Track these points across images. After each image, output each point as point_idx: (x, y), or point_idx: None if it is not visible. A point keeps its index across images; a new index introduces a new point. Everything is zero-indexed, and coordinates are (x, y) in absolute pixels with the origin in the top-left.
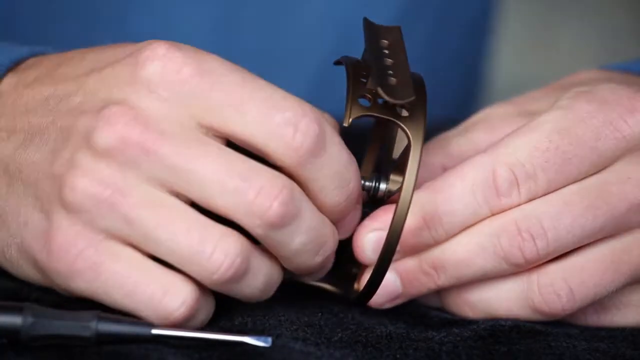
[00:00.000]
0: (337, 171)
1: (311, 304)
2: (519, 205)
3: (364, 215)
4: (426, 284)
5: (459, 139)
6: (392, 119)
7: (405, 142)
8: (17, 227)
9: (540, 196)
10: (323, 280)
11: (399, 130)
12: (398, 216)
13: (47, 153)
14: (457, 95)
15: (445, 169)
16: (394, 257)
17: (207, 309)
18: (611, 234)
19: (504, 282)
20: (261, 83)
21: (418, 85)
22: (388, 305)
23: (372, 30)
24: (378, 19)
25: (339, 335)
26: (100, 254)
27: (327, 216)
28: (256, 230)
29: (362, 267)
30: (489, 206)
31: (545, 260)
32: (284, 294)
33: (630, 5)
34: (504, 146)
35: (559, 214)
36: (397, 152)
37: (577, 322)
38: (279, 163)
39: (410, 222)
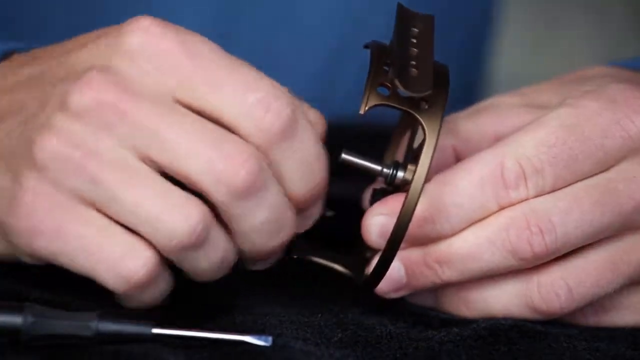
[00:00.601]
0: (304, 161)
1: (311, 304)
2: (526, 199)
3: (376, 201)
4: (430, 277)
5: (467, 122)
6: (408, 110)
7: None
8: None
9: (548, 192)
10: (336, 261)
11: None
12: (407, 207)
13: (23, 121)
14: (458, 94)
15: (454, 149)
16: (401, 247)
17: (167, 280)
18: (614, 234)
19: (503, 280)
20: (240, 64)
21: (441, 78)
22: (394, 295)
23: (403, 17)
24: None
25: (339, 335)
26: (66, 214)
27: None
28: (221, 198)
29: (374, 252)
30: (497, 200)
31: (551, 257)
32: (283, 293)
33: (630, 4)
34: (511, 141)
35: (568, 209)
36: (417, 142)
37: (577, 322)
38: (248, 142)
39: (416, 214)
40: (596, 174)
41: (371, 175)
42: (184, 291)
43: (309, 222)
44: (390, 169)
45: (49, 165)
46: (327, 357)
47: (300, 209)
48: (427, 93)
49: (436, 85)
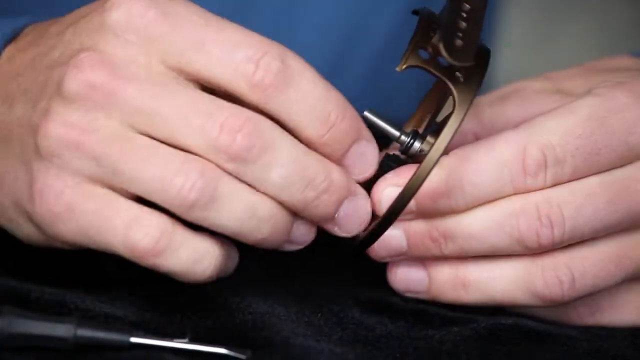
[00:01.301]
0: (309, 105)
1: (312, 303)
2: (542, 189)
3: (390, 169)
4: (431, 249)
5: (492, 108)
6: (444, 77)
7: (451, 108)
8: (9, 184)
9: (564, 182)
10: None
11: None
12: (418, 175)
13: (29, 107)
14: None
15: (476, 136)
16: (407, 217)
17: (193, 247)
18: (624, 230)
19: (505, 263)
20: (225, 24)
21: (482, 56)
22: (389, 260)
23: None
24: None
25: (339, 334)
26: (75, 195)
27: (319, 151)
28: (227, 166)
29: (374, 218)
30: (514, 184)
31: (556, 248)
32: (284, 293)
33: (631, 4)
34: (538, 125)
35: (581, 205)
36: (442, 116)
37: (574, 323)
38: (245, 101)
39: (432, 186)
40: (614, 168)
41: (388, 139)
42: (184, 291)
43: (364, 167)
44: (408, 137)
45: (53, 151)
46: (327, 352)
47: (336, 152)
48: (466, 64)
49: (477, 61)
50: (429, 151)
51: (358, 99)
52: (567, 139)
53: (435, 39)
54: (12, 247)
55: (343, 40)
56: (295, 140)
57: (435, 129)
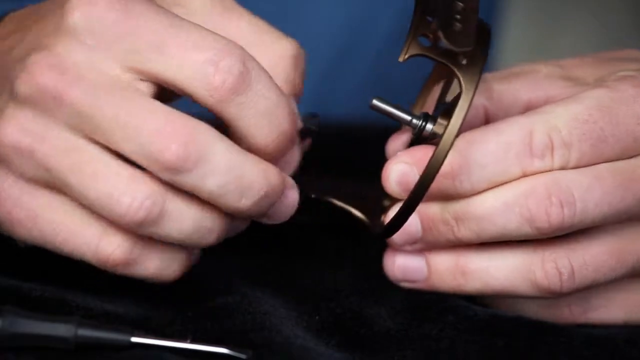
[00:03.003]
0: (264, 110)
1: (311, 304)
2: (550, 171)
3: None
4: (445, 233)
5: (501, 84)
6: (448, 63)
7: (458, 88)
8: None
9: (571, 167)
10: (353, 205)
11: None
12: (435, 159)
13: None
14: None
15: (485, 110)
16: None
17: (160, 255)
18: (630, 220)
19: (507, 251)
20: (188, 25)
21: (483, 35)
22: (408, 248)
23: None
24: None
25: (337, 338)
26: (35, 202)
27: (260, 156)
28: (161, 175)
29: (392, 201)
30: (521, 166)
31: (565, 232)
32: (283, 292)
33: (631, 5)
34: (545, 111)
35: (590, 186)
36: (451, 96)
37: (565, 321)
38: (202, 103)
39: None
40: (622, 159)
41: (399, 124)
42: (184, 292)
43: (290, 166)
44: (419, 120)
45: (7, 157)
46: (327, 356)
47: (275, 157)
48: (468, 49)
49: (478, 42)
50: (442, 134)
51: (362, 95)
52: (573, 124)
53: (434, 25)
54: (12, 246)
55: (347, 36)
56: (232, 146)
57: (445, 110)
